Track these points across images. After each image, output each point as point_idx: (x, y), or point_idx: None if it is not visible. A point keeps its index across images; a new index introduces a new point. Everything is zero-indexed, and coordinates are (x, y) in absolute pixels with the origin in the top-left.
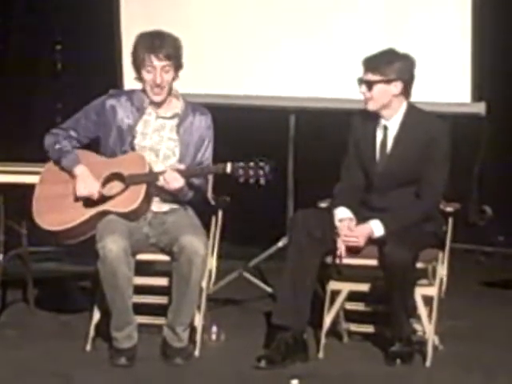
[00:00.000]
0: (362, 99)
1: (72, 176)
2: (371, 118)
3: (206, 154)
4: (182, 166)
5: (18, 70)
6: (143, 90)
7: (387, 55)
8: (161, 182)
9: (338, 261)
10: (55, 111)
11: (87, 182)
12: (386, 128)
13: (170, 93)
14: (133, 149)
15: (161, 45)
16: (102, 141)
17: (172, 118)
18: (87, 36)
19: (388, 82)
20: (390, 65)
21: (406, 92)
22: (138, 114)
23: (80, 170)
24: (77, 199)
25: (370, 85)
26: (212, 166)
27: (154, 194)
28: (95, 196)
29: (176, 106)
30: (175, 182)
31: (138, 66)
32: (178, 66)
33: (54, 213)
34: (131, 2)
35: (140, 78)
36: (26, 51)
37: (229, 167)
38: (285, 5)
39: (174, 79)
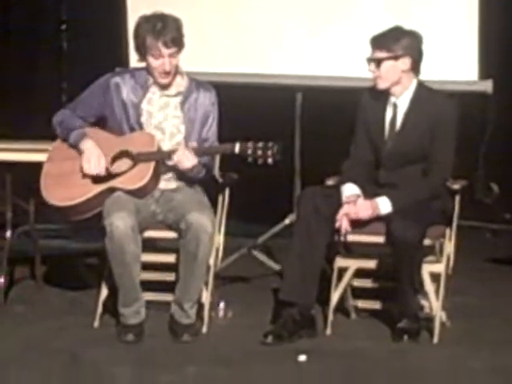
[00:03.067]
0: (368, 77)
1: (80, 153)
2: (381, 96)
3: (212, 130)
4: (194, 144)
5: (23, 49)
6: (147, 69)
7: (394, 32)
8: (173, 160)
9: (340, 237)
10: (61, 90)
11: (93, 160)
12: (395, 106)
13: (176, 73)
14: (140, 127)
15: (166, 31)
16: (108, 119)
17: (176, 95)
18: (93, 15)
19: (396, 58)
20: (397, 41)
21: (415, 68)
22: (141, 92)
23: (87, 145)
24: (85, 175)
25: (378, 62)
26: (220, 145)
27: (163, 172)
28: (102, 173)
29: (180, 83)
30: (187, 160)
31: (143, 51)
32: (182, 46)
33: (62, 189)
34: None
35: (143, 61)
36: (31, 31)
37: (237, 147)
38: None
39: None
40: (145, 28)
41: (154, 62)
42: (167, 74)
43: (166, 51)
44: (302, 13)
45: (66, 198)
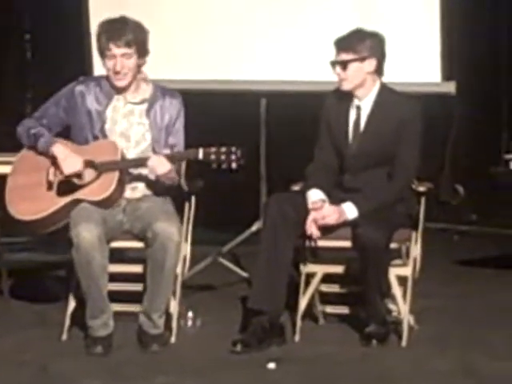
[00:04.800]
0: (332, 81)
1: (49, 159)
2: (344, 99)
3: (178, 136)
4: (166, 152)
5: None
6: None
7: (357, 34)
8: (148, 168)
9: (309, 243)
10: (25, 101)
11: (70, 160)
12: (359, 108)
13: (134, 78)
14: (104, 135)
15: (121, 32)
16: (72, 128)
17: (141, 103)
18: (56, 24)
19: (362, 59)
20: (362, 42)
21: (379, 69)
22: (106, 100)
23: (58, 150)
24: (49, 188)
25: (344, 65)
26: (184, 151)
27: (128, 181)
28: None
29: (145, 90)
30: (162, 166)
31: (100, 53)
32: (142, 51)
33: (27, 202)
34: None
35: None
36: None
37: (201, 153)
38: None
39: (140, 65)
40: (102, 30)
41: (107, 63)
42: (118, 74)
43: (117, 51)
44: (265, 18)
45: (31, 212)
